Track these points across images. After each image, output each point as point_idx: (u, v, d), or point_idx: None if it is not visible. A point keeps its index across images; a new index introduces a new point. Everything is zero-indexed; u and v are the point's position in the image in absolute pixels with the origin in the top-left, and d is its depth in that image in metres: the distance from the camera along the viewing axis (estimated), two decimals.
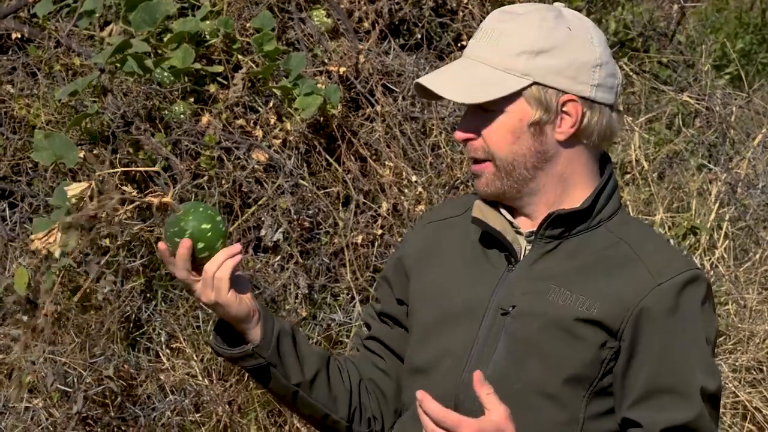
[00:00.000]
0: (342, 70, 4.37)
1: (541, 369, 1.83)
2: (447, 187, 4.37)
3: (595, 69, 1.83)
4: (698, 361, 1.79)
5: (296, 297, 4.00)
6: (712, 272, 4.60)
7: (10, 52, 4.35)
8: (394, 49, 4.62)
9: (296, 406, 2.01)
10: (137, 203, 1.90)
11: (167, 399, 3.73)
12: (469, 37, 4.87)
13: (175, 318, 3.87)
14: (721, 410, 4.14)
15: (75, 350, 3.71)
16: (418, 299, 1.98)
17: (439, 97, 1.86)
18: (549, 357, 1.82)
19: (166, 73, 4.05)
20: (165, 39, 4.11)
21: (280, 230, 4.01)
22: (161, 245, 1.90)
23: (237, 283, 1.91)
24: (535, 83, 1.83)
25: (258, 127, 4.16)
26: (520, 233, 1.92)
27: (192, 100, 4.15)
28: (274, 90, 4.16)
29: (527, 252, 1.90)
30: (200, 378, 3.79)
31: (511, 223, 1.92)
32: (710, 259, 4.68)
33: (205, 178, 4.00)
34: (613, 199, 1.89)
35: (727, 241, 4.76)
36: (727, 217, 4.82)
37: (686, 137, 5.29)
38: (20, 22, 4.38)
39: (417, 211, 4.26)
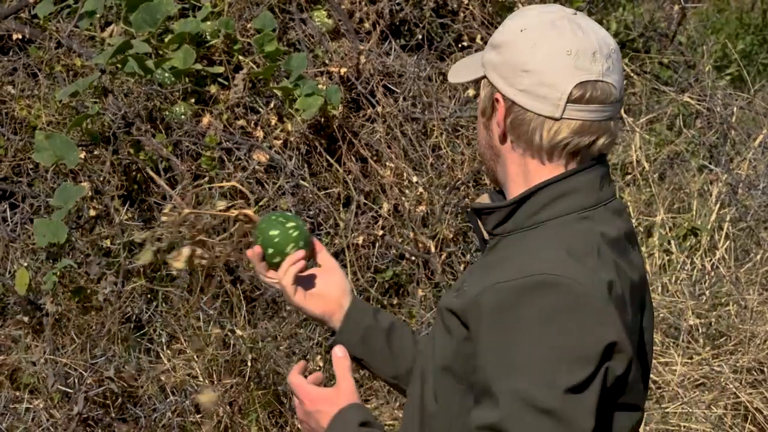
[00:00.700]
0: (343, 70, 4.37)
1: (432, 356, 1.85)
2: (448, 188, 4.37)
3: (522, 74, 1.78)
4: (525, 367, 1.68)
5: None
6: (713, 273, 4.61)
7: (11, 53, 4.35)
8: (395, 50, 4.62)
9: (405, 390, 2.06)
10: (223, 216, 2.07)
11: (168, 400, 3.73)
12: (469, 38, 4.88)
13: (176, 319, 3.87)
14: (722, 411, 4.13)
15: (76, 351, 3.72)
16: None
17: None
18: (436, 344, 1.84)
19: (167, 74, 4.06)
20: (166, 40, 4.11)
21: None
22: (248, 252, 2.05)
23: (309, 284, 2.04)
24: (484, 76, 1.85)
25: (259, 127, 4.16)
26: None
27: (193, 100, 4.15)
28: (275, 91, 4.17)
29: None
30: (201, 379, 3.79)
31: None
32: (711, 259, 4.68)
33: (206, 178, 4.00)
34: (555, 203, 1.81)
35: (728, 242, 4.76)
36: (728, 218, 4.82)
37: (687, 138, 5.29)
38: (21, 22, 4.38)
39: (418, 211, 4.26)
